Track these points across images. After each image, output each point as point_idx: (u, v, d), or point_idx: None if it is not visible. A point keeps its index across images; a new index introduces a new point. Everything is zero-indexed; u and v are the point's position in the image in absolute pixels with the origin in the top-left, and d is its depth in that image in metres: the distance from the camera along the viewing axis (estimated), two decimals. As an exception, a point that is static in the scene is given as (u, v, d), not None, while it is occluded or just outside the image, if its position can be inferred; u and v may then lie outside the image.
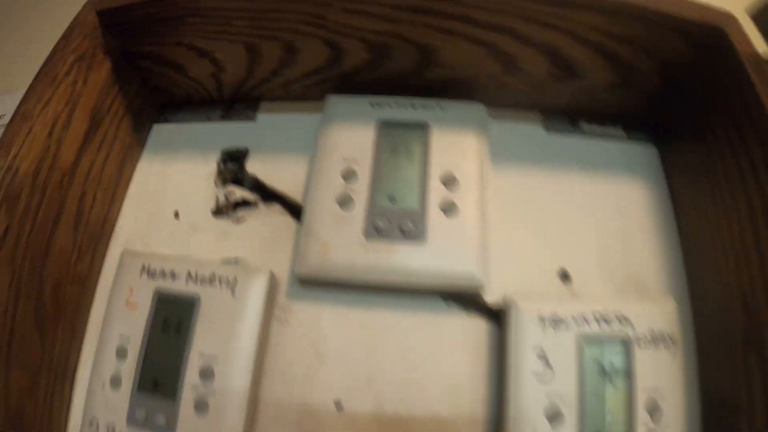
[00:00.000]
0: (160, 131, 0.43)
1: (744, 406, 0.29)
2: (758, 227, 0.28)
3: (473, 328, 0.35)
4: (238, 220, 0.39)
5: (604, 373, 0.33)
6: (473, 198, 0.35)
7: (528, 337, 0.32)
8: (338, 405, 0.33)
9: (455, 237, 0.34)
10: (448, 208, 0.35)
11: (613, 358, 0.33)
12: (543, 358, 0.32)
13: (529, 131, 0.41)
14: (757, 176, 0.29)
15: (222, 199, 0.39)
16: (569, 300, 0.34)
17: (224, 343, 0.33)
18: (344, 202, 0.35)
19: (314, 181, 0.37)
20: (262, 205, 0.39)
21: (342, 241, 0.34)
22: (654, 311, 0.34)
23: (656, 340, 0.33)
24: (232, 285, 0.34)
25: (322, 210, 0.35)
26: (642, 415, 0.31)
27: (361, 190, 0.36)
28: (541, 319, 0.32)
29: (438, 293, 0.36)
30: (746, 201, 0.30)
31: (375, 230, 0.34)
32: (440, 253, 0.34)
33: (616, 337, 0.33)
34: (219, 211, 0.39)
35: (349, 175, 0.36)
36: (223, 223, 0.39)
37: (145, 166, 0.42)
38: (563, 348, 0.32)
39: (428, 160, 0.36)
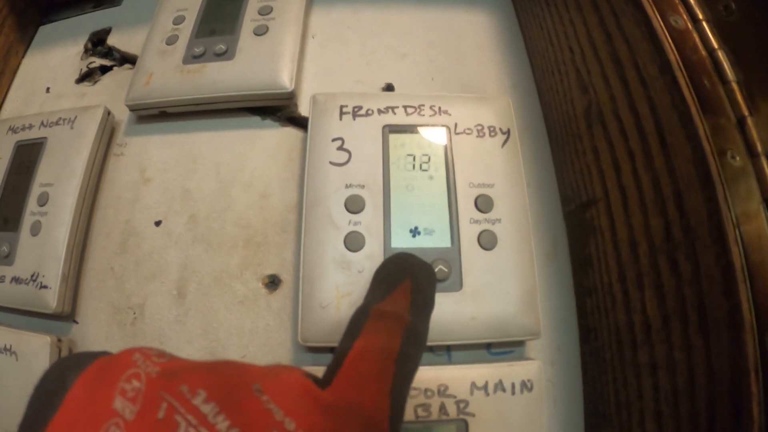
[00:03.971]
0: (44, 31, 0.48)
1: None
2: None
3: (286, 138, 0.35)
4: (94, 83, 0.42)
5: (415, 162, 0.32)
6: (286, 21, 0.37)
7: (327, 128, 0.32)
8: (157, 223, 0.34)
9: (264, 53, 0.35)
10: (261, 31, 0.36)
11: (427, 149, 0.32)
12: (343, 148, 0.32)
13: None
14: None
15: (84, 69, 0.43)
16: (380, 96, 0.34)
17: (60, 169, 0.35)
18: (171, 40, 0.38)
19: (150, 33, 0.39)
20: (117, 68, 0.42)
21: (162, 69, 0.36)
22: (480, 106, 0.33)
23: (481, 131, 0.33)
24: (72, 122, 0.37)
25: (151, 50, 0.38)
26: (466, 205, 0.30)
27: (186, 29, 0.38)
28: (343, 111, 0.32)
29: (253, 110, 0.37)
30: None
31: (192, 57, 0.36)
32: (248, 66, 0.35)
33: (431, 126, 0.33)
34: (81, 79, 0.42)
35: (179, 20, 0.39)
36: (82, 87, 0.42)
37: (29, 60, 0.46)
38: (365, 138, 0.32)
39: (249, -3, 0.38)
